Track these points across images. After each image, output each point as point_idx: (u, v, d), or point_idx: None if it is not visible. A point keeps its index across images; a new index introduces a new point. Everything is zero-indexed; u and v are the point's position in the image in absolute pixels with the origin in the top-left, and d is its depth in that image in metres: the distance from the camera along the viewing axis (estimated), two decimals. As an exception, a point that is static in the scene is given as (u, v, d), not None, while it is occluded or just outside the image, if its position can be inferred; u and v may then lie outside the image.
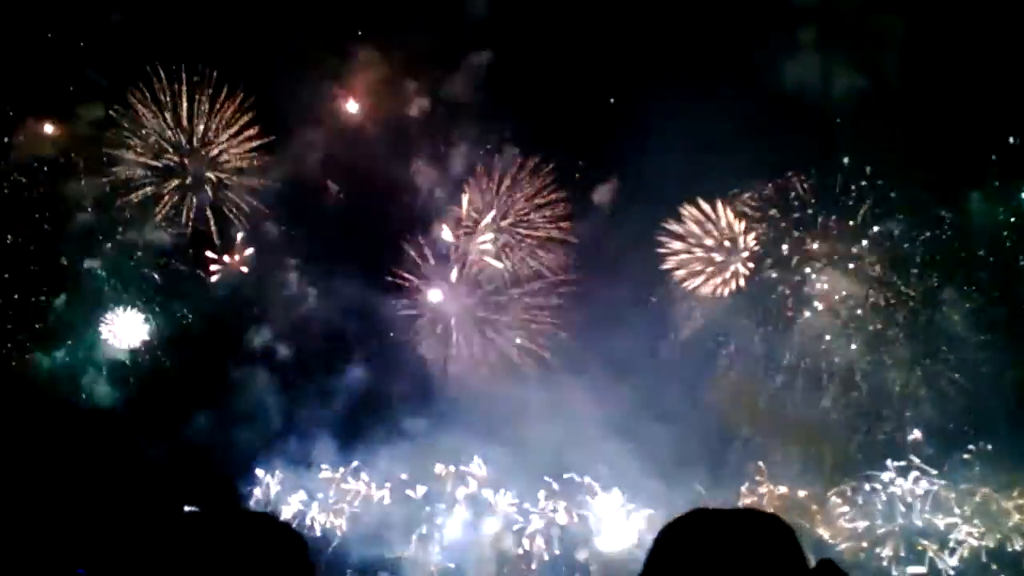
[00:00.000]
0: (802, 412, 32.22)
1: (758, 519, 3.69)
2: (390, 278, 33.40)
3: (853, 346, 32.64)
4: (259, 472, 32.63)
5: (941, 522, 30.91)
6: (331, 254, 32.86)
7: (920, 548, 30.91)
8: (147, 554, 3.66)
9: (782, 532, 3.65)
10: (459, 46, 32.04)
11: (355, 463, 32.65)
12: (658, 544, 3.69)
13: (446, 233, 33.41)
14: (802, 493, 31.94)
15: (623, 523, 32.34)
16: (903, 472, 31.41)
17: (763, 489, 31.93)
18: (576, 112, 31.62)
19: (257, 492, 32.60)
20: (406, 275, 33.52)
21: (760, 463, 32.16)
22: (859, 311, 32.43)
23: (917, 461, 31.40)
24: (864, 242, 32.43)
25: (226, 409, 31.71)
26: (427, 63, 32.30)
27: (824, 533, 31.47)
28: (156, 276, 32.62)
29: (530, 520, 32.62)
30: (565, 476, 32.38)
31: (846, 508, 31.75)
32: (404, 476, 32.71)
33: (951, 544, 30.71)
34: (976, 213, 32.21)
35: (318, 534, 32.08)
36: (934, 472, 31.30)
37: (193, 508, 26.47)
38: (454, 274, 33.66)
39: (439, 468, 32.84)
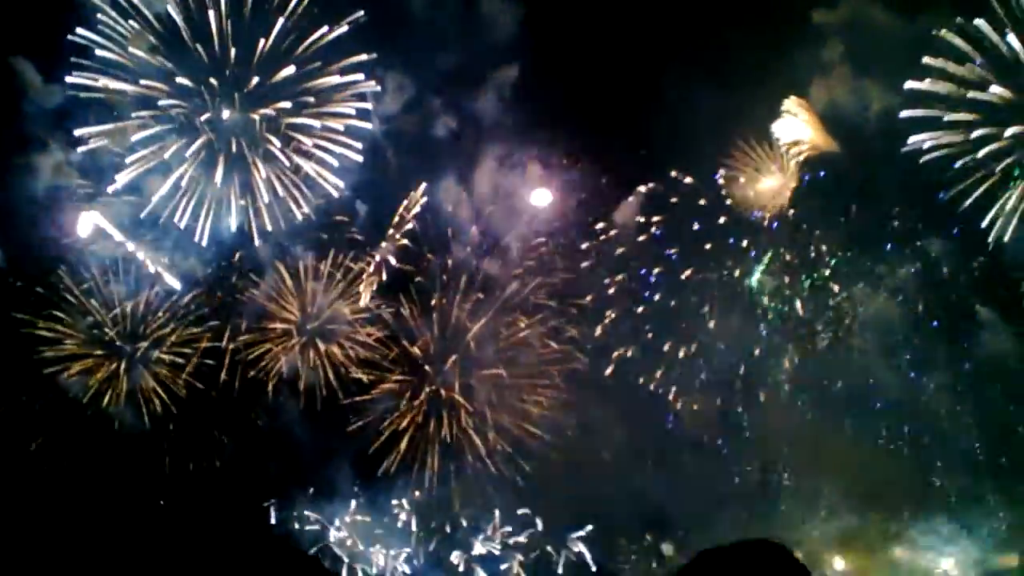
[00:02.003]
0: (840, 442, 31.27)
1: (765, 549, 3.97)
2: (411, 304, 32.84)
3: (890, 371, 31.75)
4: (279, 502, 32.15)
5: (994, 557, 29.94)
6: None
7: None
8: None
9: (789, 561, 3.85)
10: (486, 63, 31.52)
11: (376, 495, 32.25)
12: None
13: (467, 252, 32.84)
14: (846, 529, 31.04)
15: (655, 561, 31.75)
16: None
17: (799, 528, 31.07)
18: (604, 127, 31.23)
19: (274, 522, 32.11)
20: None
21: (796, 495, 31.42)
22: (899, 335, 31.60)
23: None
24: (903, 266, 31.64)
25: (251, 436, 31.39)
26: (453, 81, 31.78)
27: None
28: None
29: (558, 557, 31.97)
30: (595, 512, 31.71)
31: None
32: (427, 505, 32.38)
33: None
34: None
35: (337, 566, 31.63)
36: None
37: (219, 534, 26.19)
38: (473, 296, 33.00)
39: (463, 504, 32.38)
